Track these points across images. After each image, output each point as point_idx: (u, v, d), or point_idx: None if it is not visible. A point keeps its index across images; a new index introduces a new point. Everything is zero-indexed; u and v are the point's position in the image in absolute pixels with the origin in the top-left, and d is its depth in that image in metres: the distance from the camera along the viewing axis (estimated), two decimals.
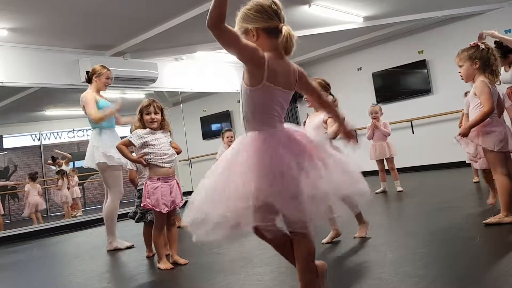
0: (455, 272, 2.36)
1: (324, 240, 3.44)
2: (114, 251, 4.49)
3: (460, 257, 2.63)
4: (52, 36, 6.88)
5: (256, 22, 1.95)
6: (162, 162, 3.40)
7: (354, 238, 3.39)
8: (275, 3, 1.96)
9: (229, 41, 1.80)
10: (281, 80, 1.94)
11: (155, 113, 3.44)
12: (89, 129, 4.73)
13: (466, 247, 2.84)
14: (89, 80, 4.72)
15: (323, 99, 2.25)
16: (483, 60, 3.35)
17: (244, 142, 1.96)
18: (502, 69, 4.38)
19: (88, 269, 3.85)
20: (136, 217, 3.94)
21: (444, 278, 2.25)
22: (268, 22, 1.94)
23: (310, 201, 1.82)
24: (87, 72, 4.77)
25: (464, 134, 3.28)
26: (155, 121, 3.45)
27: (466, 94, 4.59)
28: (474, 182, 5.93)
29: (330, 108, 2.28)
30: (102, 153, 4.52)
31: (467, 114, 3.69)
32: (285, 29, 1.93)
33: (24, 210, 9.64)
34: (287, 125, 2.02)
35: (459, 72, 3.51)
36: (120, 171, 4.59)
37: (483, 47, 3.36)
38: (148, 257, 3.91)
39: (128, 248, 4.51)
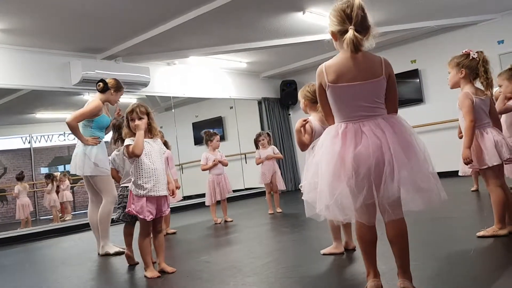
0: (448, 284, 2.32)
1: (324, 251, 3.38)
2: (104, 256, 4.43)
3: (454, 269, 2.59)
4: (44, 38, 6.81)
5: (331, 26, 2.16)
6: (157, 190, 3.32)
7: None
8: (351, 7, 2.08)
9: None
10: (350, 76, 2.11)
11: (139, 119, 3.32)
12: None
13: (460, 259, 2.80)
14: (103, 90, 4.64)
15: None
16: (470, 70, 3.26)
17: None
18: None
19: (73, 276, 3.77)
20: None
21: None
22: (339, 26, 2.12)
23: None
24: (104, 82, 4.66)
25: (467, 160, 3.18)
26: None
27: None
28: (472, 191, 5.94)
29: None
30: (94, 164, 4.49)
31: None
32: (348, 34, 2.06)
33: (15, 213, 9.52)
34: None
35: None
36: (110, 175, 4.53)
37: (474, 56, 3.27)
38: (127, 256, 3.81)
39: (117, 254, 4.43)
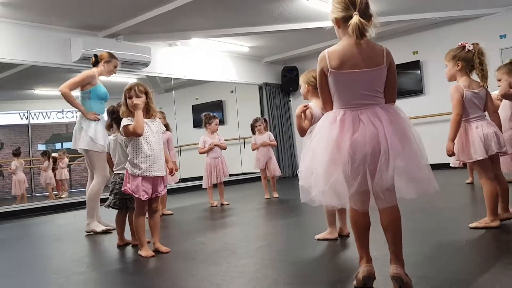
0: (441, 273, 2.34)
1: (319, 236, 3.40)
2: (94, 234, 4.47)
3: (446, 258, 2.62)
4: (44, 13, 6.75)
5: (335, 13, 2.19)
6: (152, 171, 3.32)
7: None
8: None
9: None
10: (353, 63, 2.12)
11: (137, 97, 3.28)
12: (78, 110, 4.66)
13: (452, 249, 2.83)
14: (95, 64, 4.80)
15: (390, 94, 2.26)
16: (466, 62, 3.28)
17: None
18: None
19: (68, 252, 3.80)
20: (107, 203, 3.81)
21: (429, 278, 2.24)
22: (344, 12, 2.14)
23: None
24: (95, 56, 4.83)
25: (449, 153, 3.24)
26: None
27: None
28: (467, 183, 5.97)
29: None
30: (90, 138, 4.52)
31: None
32: (353, 19, 2.08)
33: (11, 188, 9.57)
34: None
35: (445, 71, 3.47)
36: (105, 154, 4.55)
37: (469, 48, 3.28)
38: (118, 245, 3.80)
39: (105, 232, 4.47)
